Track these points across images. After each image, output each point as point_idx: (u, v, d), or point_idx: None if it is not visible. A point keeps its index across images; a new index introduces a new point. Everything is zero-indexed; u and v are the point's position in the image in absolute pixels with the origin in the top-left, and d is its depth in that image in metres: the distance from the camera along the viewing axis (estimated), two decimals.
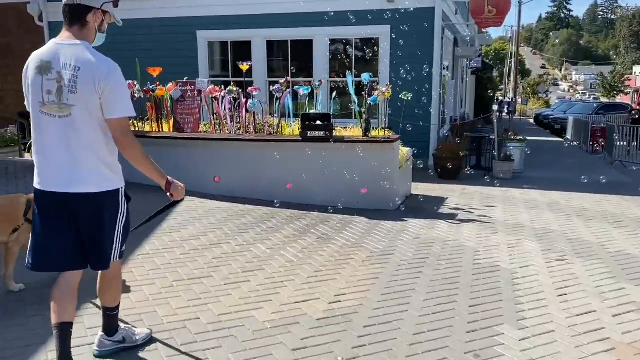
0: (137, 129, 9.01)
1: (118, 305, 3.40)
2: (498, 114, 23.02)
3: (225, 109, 8.47)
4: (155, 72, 8.84)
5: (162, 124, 8.93)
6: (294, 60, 13.23)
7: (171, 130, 8.65)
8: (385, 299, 4.39)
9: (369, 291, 4.56)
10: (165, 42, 13.26)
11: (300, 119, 7.77)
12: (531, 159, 13.80)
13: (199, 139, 8.14)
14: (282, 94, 8.22)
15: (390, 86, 8.46)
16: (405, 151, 8.87)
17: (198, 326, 3.81)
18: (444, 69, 14.13)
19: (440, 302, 4.38)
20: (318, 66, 12.70)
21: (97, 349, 3.40)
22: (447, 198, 9.04)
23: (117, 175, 3.09)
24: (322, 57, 12.77)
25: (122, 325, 3.52)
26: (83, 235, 2.99)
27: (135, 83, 8.83)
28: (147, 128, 9.03)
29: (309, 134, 7.61)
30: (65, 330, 3.01)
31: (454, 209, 8.16)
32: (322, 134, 7.58)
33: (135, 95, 8.86)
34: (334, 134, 7.93)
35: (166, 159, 8.25)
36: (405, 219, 7.27)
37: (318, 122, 7.60)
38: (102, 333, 3.40)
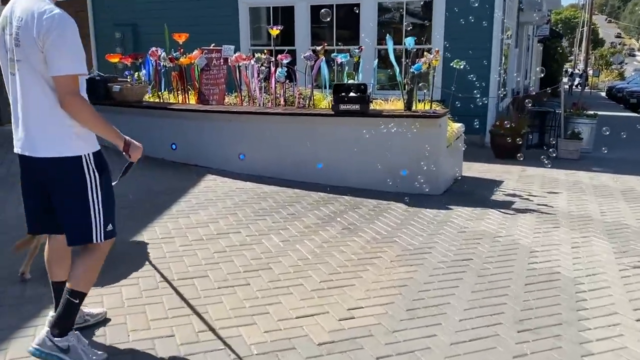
0: (161, 100, 8.37)
1: (83, 295, 2.86)
2: (567, 86, 21.15)
3: (253, 79, 7.67)
4: (181, 38, 8.12)
5: (189, 95, 8.25)
6: (339, 28, 12.24)
7: (196, 102, 7.95)
8: (410, 317, 3.52)
9: (392, 304, 3.69)
10: (204, 9, 12.55)
11: (332, 90, 6.86)
12: (602, 137, 12.27)
13: (219, 111, 7.38)
14: (315, 61, 7.32)
15: (439, 52, 7.38)
16: (455, 127, 7.82)
17: (168, 347, 3.07)
18: (506, 36, 12.77)
19: (480, 323, 3.46)
20: (365, 34, 11.64)
21: (35, 345, 2.81)
22: (502, 182, 7.95)
23: (78, 141, 2.73)
24: (370, 23, 11.70)
25: (74, 330, 2.88)
26: (52, 202, 2.80)
27: (159, 51, 8.16)
28: (173, 99, 8.37)
29: (342, 107, 6.71)
30: (57, 290, 2.98)
31: (510, 195, 7.09)
32: (356, 107, 6.66)
33: (161, 63, 8.22)
34: (372, 108, 6.99)
35: (189, 134, 7.61)
36: (451, 207, 6.30)
37: (352, 94, 6.67)
38: (48, 329, 2.86)
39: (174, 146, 7.76)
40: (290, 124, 7.09)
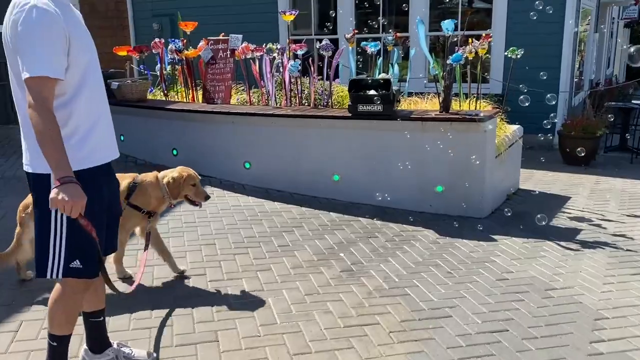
0: (167, 99, 7.41)
1: (59, 338, 2.48)
2: None
3: (265, 73, 6.53)
4: (188, 27, 7.10)
5: (197, 93, 7.24)
6: (388, 14, 10.87)
7: (201, 100, 6.92)
8: None
9: None
10: None
11: (348, 87, 5.59)
12: None
13: (219, 112, 6.28)
14: (335, 52, 6.09)
15: (490, 39, 5.94)
16: (510, 131, 6.35)
17: None
18: (582, 19, 10.93)
19: None
20: (414, 19, 10.20)
21: None
22: (569, 198, 6.40)
23: None
24: (422, 9, 10.23)
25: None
26: None
27: (172, 43, 7.18)
28: (179, 98, 7.39)
29: (361, 108, 5.43)
30: (85, 321, 2.70)
31: (576, 219, 5.57)
32: (378, 108, 5.37)
33: (169, 56, 7.25)
34: (401, 108, 5.68)
35: (190, 138, 6.58)
36: (495, 237, 4.91)
37: (372, 92, 5.38)
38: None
39: (175, 152, 6.77)
40: (301, 127, 5.90)
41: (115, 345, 2.73)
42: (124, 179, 3.59)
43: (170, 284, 3.77)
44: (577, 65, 11.30)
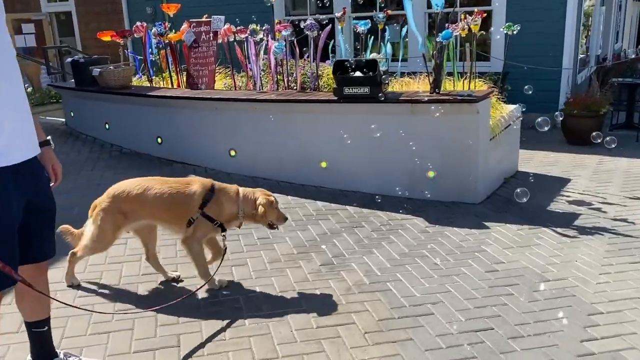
0: (153, 84, 7.18)
1: (43, 321, 2.44)
2: None
3: (250, 56, 6.26)
4: (170, 9, 6.84)
5: (182, 78, 7.00)
6: None
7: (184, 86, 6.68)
8: None
9: None
10: None
11: (332, 70, 5.32)
12: None
13: (201, 98, 6.03)
14: (319, 32, 5.81)
15: (482, 14, 5.63)
16: (507, 111, 6.06)
17: None
18: None
19: None
20: None
21: None
22: (569, 180, 6.13)
23: None
24: None
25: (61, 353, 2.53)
26: None
27: (156, 26, 6.93)
28: (165, 84, 7.16)
29: (347, 90, 5.17)
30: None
31: (576, 202, 5.31)
32: (365, 90, 5.10)
33: (154, 40, 7.00)
34: (388, 90, 5.40)
35: (174, 125, 6.32)
36: (488, 224, 4.67)
37: (358, 74, 5.11)
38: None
39: (159, 140, 6.55)
40: (287, 113, 5.64)
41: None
42: (201, 186, 3.38)
43: (136, 284, 3.57)
44: (583, 41, 10.91)
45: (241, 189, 3.47)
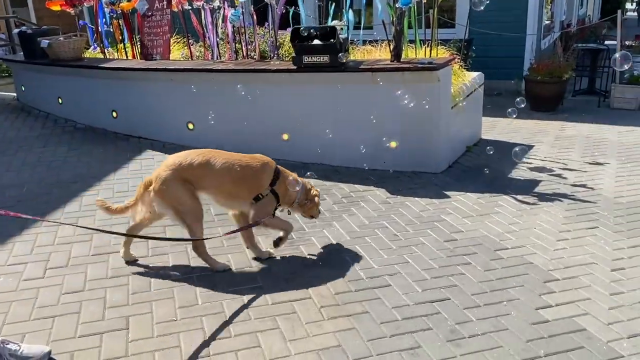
0: (107, 56, 6.90)
1: None
2: (636, 12, 17.86)
3: (207, 25, 6.04)
4: None
5: (137, 48, 6.73)
6: None
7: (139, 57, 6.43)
8: None
9: None
10: None
11: (290, 38, 5.15)
12: None
13: (153, 69, 5.81)
14: None
15: None
16: (469, 78, 6.01)
17: None
18: None
19: None
20: None
21: None
22: (532, 147, 6.14)
23: None
24: None
25: None
26: None
27: None
28: (120, 55, 6.89)
29: (306, 59, 5.03)
30: None
31: (537, 169, 5.32)
32: (324, 58, 4.97)
33: (106, 9, 6.70)
34: (349, 58, 5.28)
35: (129, 98, 6.09)
36: (449, 193, 4.64)
37: (317, 42, 4.96)
38: None
39: (114, 114, 6.33)
40: (245, 83, 5.47)
41: None
42: (271, 163, 3.39)
43: (84, 265, 3.44)
44: (548, 7, 10.88)
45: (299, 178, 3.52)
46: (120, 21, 6.56)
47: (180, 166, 3.18)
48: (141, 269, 3.36)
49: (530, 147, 6.14)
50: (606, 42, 10.67)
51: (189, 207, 3.19)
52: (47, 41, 6.32)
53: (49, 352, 2.50)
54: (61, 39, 6.46)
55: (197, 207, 3.24)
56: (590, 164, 5.47)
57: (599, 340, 2.63)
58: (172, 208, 3.19)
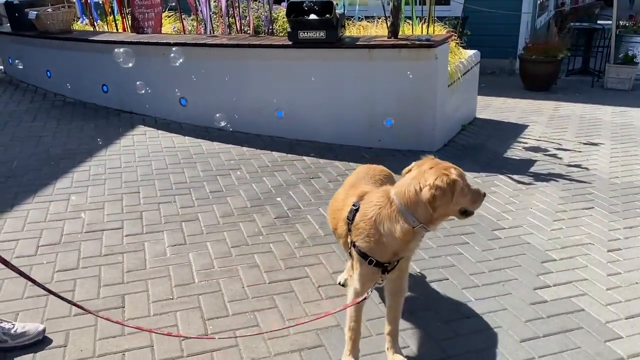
0: (96, 29, 6.74)
1: None
2: None
3: None
4: None
5: (128, 21, 6.57)
6: None
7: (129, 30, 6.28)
8: None
9: None
10: None
11: (286, 12, 5.05)
12: None
13: (145, 43, 5.69)
14: None
15: None
16: (466, 56, 5.94)
17: None
18: None
19: None
20: None
21: None
22: (526, 127, 6.11)
23: None
24: None
25: None
26: None
27: None
28: (110, 28, 6.73)
29: (302, 34, 4.93)
30: None
31: (532, 149, 5.30)
32: (320, 34, 4.88)
33: None
34: (345, 34, 5.19)
35: (120, 73, 5.90)
36: None
37: (313, 17, 4.87)
38: None
39: (105, 88, 6.20)
40: (240, 59, 5.37)
41: None
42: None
43: (77, 242, 3.38)
44: None
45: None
46: None
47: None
48: (136, 247, 3.31)
49: (525, 126, 6.12)
50: (599, 22, 10.62)
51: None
52: (35, 12, 6.15)
53: (44, 330, 2.46)
54: (49, 10, 6.29)
55: None
56: (584, 144, 5.46)
57: (597, 321, 2.64)
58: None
